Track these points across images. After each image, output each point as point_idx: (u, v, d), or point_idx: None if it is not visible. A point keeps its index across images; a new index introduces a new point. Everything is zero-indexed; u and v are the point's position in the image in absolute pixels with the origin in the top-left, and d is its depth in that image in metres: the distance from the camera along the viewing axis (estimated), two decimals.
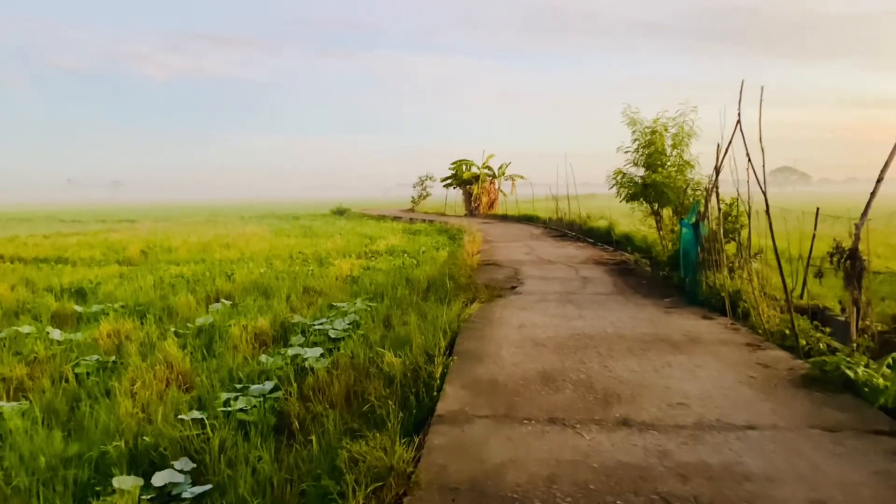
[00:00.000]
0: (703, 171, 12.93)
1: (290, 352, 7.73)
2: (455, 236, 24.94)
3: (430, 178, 51.52)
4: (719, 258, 9.45)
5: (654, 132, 13.19)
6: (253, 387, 6.58)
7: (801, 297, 8.53)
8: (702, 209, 10.81)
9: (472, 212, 42.66)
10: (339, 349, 7.81)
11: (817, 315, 8.65)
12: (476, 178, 42.88)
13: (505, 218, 36.78)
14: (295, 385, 6.21)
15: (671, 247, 12.93)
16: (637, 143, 13.47)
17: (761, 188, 6.94)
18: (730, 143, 9.32)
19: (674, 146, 13.02)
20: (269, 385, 6.62)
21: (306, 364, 7.23)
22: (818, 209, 8.74)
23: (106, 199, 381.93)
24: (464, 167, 43.62)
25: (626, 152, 13.75)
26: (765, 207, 7.98)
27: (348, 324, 9.23)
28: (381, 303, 10.67)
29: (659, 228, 13.72)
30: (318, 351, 7.74)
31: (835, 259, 6.70)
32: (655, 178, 12.70)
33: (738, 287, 8.74)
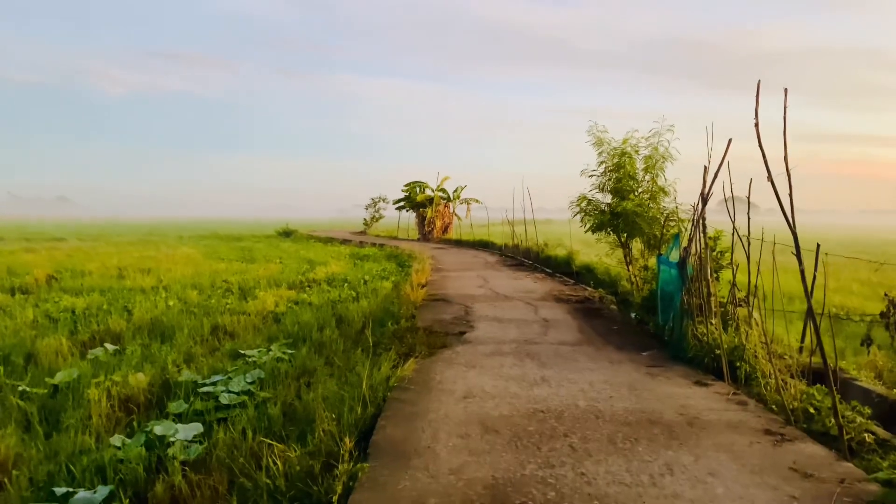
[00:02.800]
0: (680, 199, 11.41)
1: (158, 429, 5.71)
2: (405, 263, 23.07)
3: (383, 200, 49.66)
4: (708, 304, 7.81)
5: (623, 154, 11.62)
6: (79, 495, 4.57)
7: (813, 353, 6.90)
8: (684, 244, 9.20)
9: (425, 236, 40.86)
10: (226, 425, 5.85)
11: (828, 377, 7.05)
12: (430, 200, 41.14)
13: (459, 243, 35.08)
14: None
15: (642, 285, 11.30)
16: (604, 165, 11.87)
17: (788, 222, 5.27)
18: (720, 166, 7.77)
19: (646, 170, 11.45)
20: (101, 493, 4.62)
21: (170, 454, 5.23)
22: (818, 245, 7.17)
23: (51, 214, 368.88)
24: (417, 189, 41.86)
25: (591, 176, 12.15)
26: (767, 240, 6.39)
27: (251, 382, 7.25)
28: (303, 349, 8.73)
29: (628, 263, 12.09)
30: (194, 430, 5.75)
31: (893, 320, 5.05)
32: (626, 206, 11.10)
33: (736, 342, 7.07)
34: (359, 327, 10.29)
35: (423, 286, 14.85)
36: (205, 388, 6.97)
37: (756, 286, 7.21)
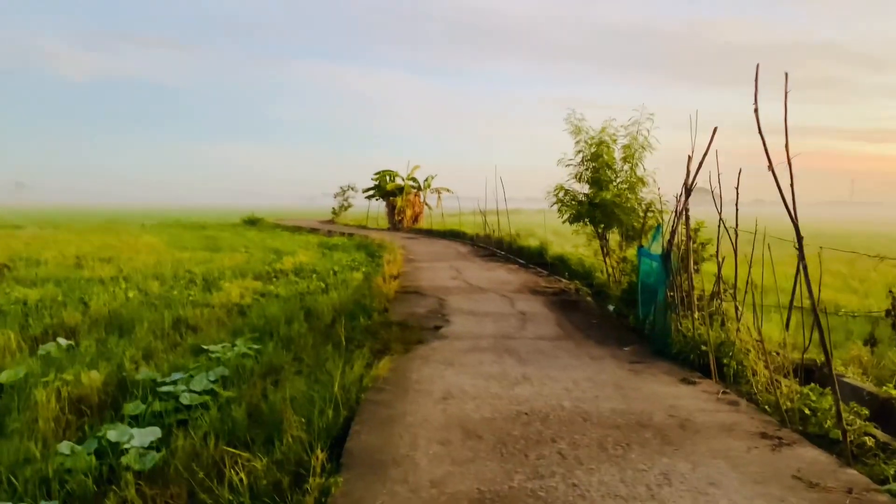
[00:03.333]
0: (658, 189, 11.17)
1: (112, 435, 5.26)
2: (375, 253, 22.62)
3: (352, 189, 48.98)
4: (691, 298, 7.58)
5: (601, 143, 11.33)
6: None
7: (806, 349, 6.71)
8: (667, 235, 8.96)
9: (395, 225, 40.37)
10: (186, 429, 5.42)
11: (814, 374, 6.87)
12: (400, 189, 40.64)
13: (430, 233, 34.67)
14: None
15: (620, 277, 11.07)
16: (581, 154, 11.58)
17: (790, 214, 4.99)
18: (704, 155, 7.53)
19: (625, 160, 11.18)
20: None
21: (123, 462, 4.79)
22: (801, 237, 6.96)
23: (7, 200, 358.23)
24: (387, 178, 41.31)
25: (569, 165, 11.85)
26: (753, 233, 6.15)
27: (214, 381, 6.81)
28: (269, 344, 8.30)
29: (605, 254, 11.84)
30: (151, 435, 5.31)
31: None
32: (604, 197, 10.82)
33: (723, 338, 6.83)
34: (329, 321, 9.88)
35: (395, 278, 14.46)
36: (165, 388, 6.51)
37: (749, 280, 6.99)
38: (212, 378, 6.83)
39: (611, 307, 10.40)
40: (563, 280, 14.39)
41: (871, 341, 6.13)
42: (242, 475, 4.03)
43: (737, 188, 6.89)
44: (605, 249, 11.73)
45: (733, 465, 4.29)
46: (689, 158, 7.99)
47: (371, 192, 42.53)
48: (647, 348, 7.81)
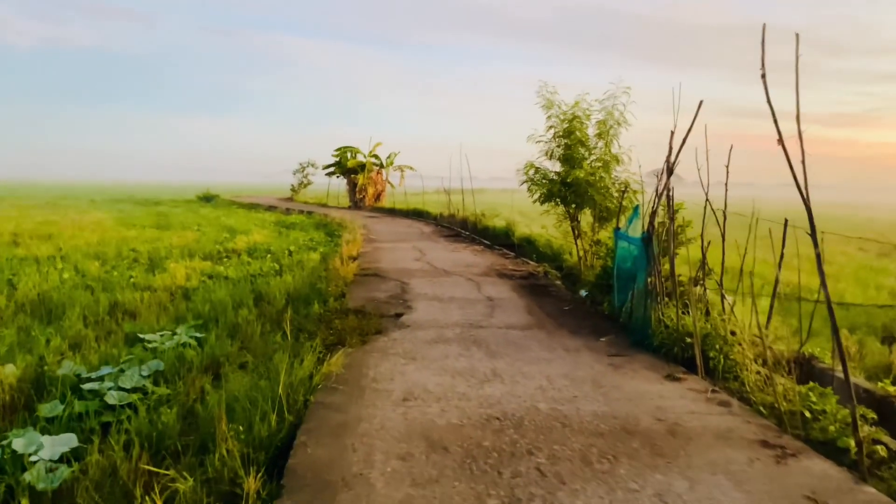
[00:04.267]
0: (640, 167, 10.62)
1: (18, 444, 4.49)
2: (334, 233, 21.79)
3: (312, 165, 47.71)
4: (673, 285, 7.05)
5: (574, 118, 10.71)
6: None
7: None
8: (646, 217, 8.42)
9: (356, 203, 39.40)
10: (107, 437, 4.67)
11: (803, 366, 6.41)
12: (362, 167, 39.62)
13: (392, 212, 33.86)
14: None
15: (592, 261, 10.52)
16: (553, 130, 10.94)
17: (803, 195, 4.43)
18: (689, 130, 6.98)
19: (599, 136, 10.58)
20: None
21: (24, 481, 4.04)
22: (786, 220, 6.49)
23: None
24: (349, 155, 40.23)
25: (539, 142, 11.20)
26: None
27: (146, 376, 6.04)
28: (213, 333, 7.54)
29: (576, 236, 11.28)
30: (65, 444, 4.54)
31: None
32: (577, 175, 10.22)
33: (709, 329, 6.31)
34: (281, 306, 9.14)
35: (354, 259, 13.72)
36: (89, 385, 5.73)
37: (742, 268, 6.48)
38: (145, 373, 6.06)
39: (583, 292, 9.85)
40: (531, 262, 13.83)
41: (889, 339, 5.62)
42: (159, 502, 3.33)
43: (727, 166, 6.35)
44: (576, 231, 11.16)
45: (736, 483, 3.74)
46: (672, 134, 7.43)
47: (331, 169, 41.43)
48: (625, 339, 7.26)
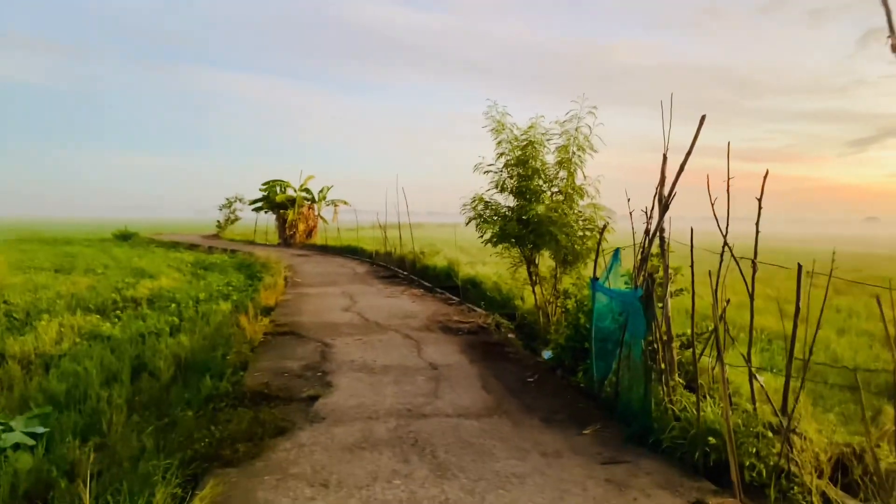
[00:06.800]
0: (602, 201, 8.96)
1: None
2: (256, 274, 19.46)
3: (240, 200, 44.98)
4: (670, 355, 5.29)
5: (529, 144, 8.99)
6: None
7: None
8: (626, 263, 6.70)
9: (286, 240, 36.91)
10: None
11: (849, 467, 4.69)
12: (292, 201, 37.23)
13: (325, 249, 31.58)
14: None
15: (558, 315, 8.73)
16: (505, 158, 9.19)
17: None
18: (688, 154, 5.39)
19: (560, 164, 8.88)
20: None
21: None
22: (800, 265, 4.92)
23: None
24: (278, 189, 37.79)
25: (487, 172, 9.42)
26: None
27: None
28: (66, 421, 5.39)
29: (534, 283, 9.48)
30: None
31: None
32: (538, 211, 8.46)
33: (740, 423, 4.53)
34: (167, 380, 7.03)
35: (270, 310, 11.58)
36: None
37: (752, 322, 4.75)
38: None
39: (546, 354, 8.03)
40: (479, 310, 11.98)
41: None
42: None
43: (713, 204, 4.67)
44: (534, 277, 9.36)
45: None
46: (664, 159, 5.77)
47: (259, 204, 38.87)
48: (615, 428, 5.43)
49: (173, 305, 13.11)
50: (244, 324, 9.14)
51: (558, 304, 8.61)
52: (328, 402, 6.00)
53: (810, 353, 4.30)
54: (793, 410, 4.28)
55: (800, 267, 5.11)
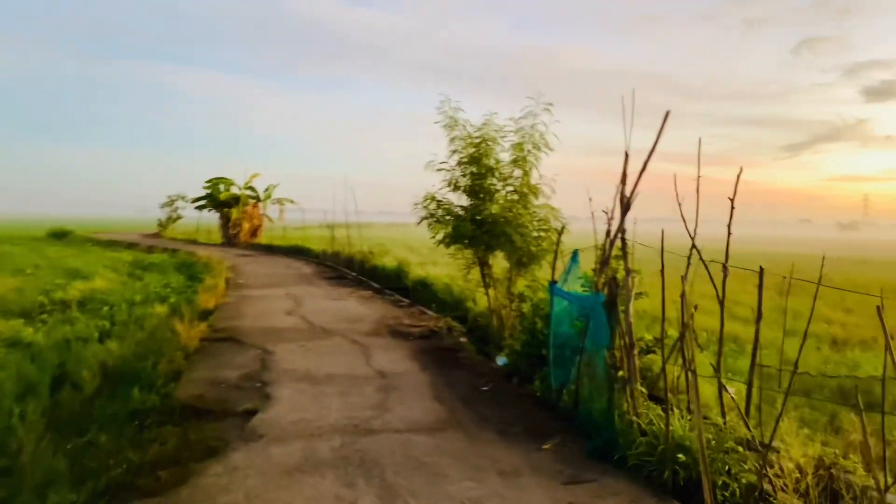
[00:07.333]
0: (557, 202, 8.69)
1: None
2: (197, 275, 18.62)
3: (183, 198, 43.53)
4: (633, 364, 4.99)
5: (483, 141, 8.65)
6: None
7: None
8: (586, 266, 6.41)
9: (230, 240, 35.79)
10: None
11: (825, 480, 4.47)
12: (236, 199, 36.14)
13: (270, 249, 30.69)
14: None
15: (512, 320, 8.40)
16: (458, 156, 8.82)
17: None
18: (651, 152, 5.15)
19: (515, 163, 8.56)
20: None
21: None
22: (762, 268, 4.74)
23: None
24: (221, 186, 36.63)
25: (440, 170, 9.03)
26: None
27: None
28: None
29: (487, 285, 9.13)
30: None
31: None
32: (492, 211, 8.11)
33: (712, 439, 4.24)
34: (91, 392, 6.40)
35: (209, 313, 10.94)
36: None
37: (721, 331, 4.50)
38: None
39: (501, 360, 7.68)
40: (430, 313, 11.58)
41: None
42: None
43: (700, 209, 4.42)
44: (487, 279, 9.01)
45: None
46: (626, 157, 5.50)
47: (202, 203, 37.63)
48: (576, 442, 5.10)
49: (106, 308, 12.29)
50: (179, 329, 8.53)
51: (513, 308, 8.27)
52: (266, 416, 5.51)
53: (795, 366, 4.04)
54: (775, 430, 4.00)
55: (761, 270, 4.89)
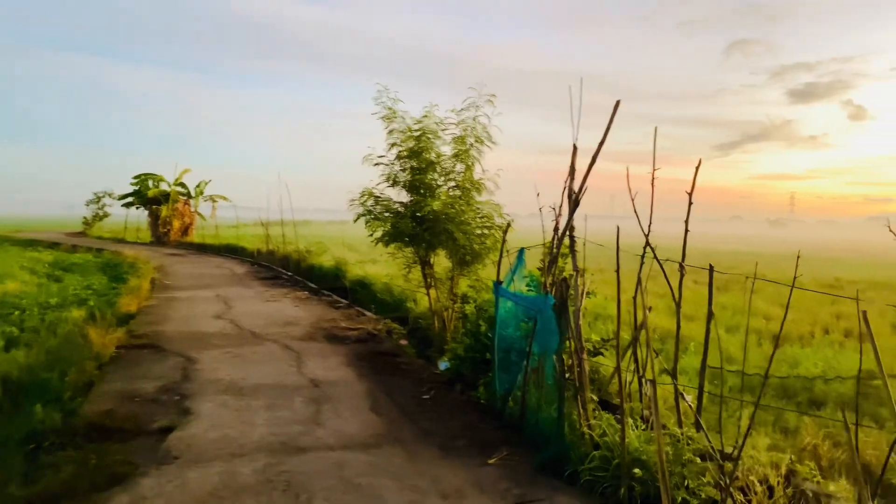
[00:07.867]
0: (500, 198, 8.36)
1: None
2: (122, 276, 17.60)
3: (109, 195, 41.56)
4: (582, 370, 4.66)
5: (423, 134, 8.23)
6: None
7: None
8: (531, 264, 6.09)
9: (160, 238, 34.32)
10: None
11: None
12: (166, 196, 34.68)
13: (202, 248, 29.51)
14: None
15: (454, 322, 8.02)
16: (397, 149, 8.38)
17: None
18: (601, 144, 4.85)
19: (457, 157, 8.18)
20: None
21: None
22: (711, 266, 4.53)
23: None
24: (150, 183, 35.08)
25: (378, 164, 8.57)
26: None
27: None
28: None
29: (429, 285, 8.72)
30: None
31: None
32: (433, 207, 7.70)
33: (669, 452, 3.94)
34: None
35: (131, 317, 10.18)
36: None
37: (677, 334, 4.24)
38: None
39: (443, 364, 7.29)
40: (369, 314, 11.11)
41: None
42: None
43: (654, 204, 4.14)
44: (429, 279, 8.60)
45: None
46: (574, 150, 5.19)
47: (130, 200, 35.97)
48: (523, 454, 4.74)
49: (17, 313, 11.35)
50: (92, 336, 7.81)
51: (456, 309, 7.89)
52: (184, 435, 4.96)
53: (767, 370, 3.78)
54: (743, 443, 3.71)
55: (711, 268, 4.65)
